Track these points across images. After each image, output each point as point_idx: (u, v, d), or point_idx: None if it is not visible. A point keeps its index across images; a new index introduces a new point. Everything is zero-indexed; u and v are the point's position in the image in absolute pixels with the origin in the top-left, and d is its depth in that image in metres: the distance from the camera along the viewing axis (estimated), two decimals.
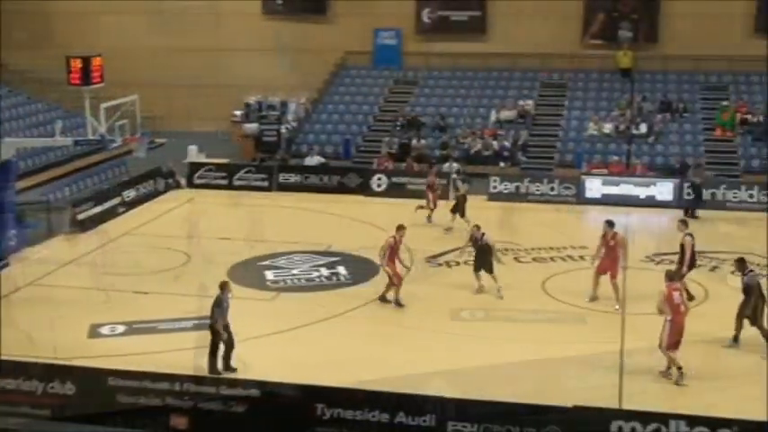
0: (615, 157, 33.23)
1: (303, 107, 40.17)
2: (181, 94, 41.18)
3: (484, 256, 21.35)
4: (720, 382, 16.92)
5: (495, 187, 31.10)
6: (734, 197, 29.46)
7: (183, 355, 17.39)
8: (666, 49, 38.95)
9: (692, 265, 21.06)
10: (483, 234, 21.45)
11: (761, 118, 35.02)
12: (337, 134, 37.67)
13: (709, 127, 35.76)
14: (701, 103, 37.18)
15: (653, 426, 13.90)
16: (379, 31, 41.12)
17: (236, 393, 15.01)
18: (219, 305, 16.87)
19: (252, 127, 37.81)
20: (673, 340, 16.60)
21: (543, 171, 33.24)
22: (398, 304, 20.58)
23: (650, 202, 29.98)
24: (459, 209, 26.94)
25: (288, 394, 14.96)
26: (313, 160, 34.23)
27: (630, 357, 17.73)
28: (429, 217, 28.11)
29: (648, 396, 16.06)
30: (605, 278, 20.88)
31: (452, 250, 24.71)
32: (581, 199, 30.40)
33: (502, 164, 34.41)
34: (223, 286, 17.19)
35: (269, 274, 22.92)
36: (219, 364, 16.84)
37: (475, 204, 30.35)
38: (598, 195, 30.44)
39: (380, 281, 22.17)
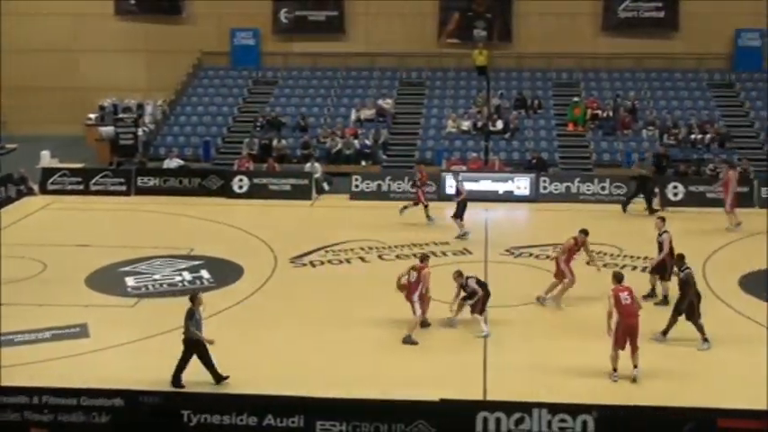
0: (474, 154, 33.90)
1: (160, 109, 39.44)
2: (32, 97, 39.82)
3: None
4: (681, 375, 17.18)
5: (357, 186, 31.26)
6: (587, 190, 30.44)
7: (42, 367, 16.82)
8: (520, 48, 40.00)
9: (671, 261, 20.88)
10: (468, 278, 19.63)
11: (610, 113, 36.30)
12: (196, 136, 37.12)
13: (561, 122, 36.87)
14: (553, 100, 38.30)
15: (517, 415, 14.22)
16: (236, 31, 40.73)
17: (98, 404, 14.62)
18: (191, 317, 16.30)
19: (107, 130, 36.89)
20: (621, 339, 16.63)
21: (404, 169, 33.59)
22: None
23: (509, 197, 30.66)
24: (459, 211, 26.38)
25: (153, 402, 14.67)
26: (172, 163, 33.62)
27: (500, 345, 18.08)
28: (428, 216, 27.97)
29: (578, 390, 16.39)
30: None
31: (316, 250, 24.71)
32: (441, 195, 30.81)
33: (363, 162, 34.62)
34: (193, 298, 16.58)
35: (129, 281, 22.40)
36: (184, 379, 16.32)
37: (337, 203, 30.61)
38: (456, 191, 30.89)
39: (245, 283, 22.03)
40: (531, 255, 24.41)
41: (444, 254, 24.55)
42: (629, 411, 14.40)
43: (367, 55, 40.41)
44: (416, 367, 17.27)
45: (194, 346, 16.28)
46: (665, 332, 18.38)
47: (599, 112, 36.59)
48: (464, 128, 36.33)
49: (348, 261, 24.14)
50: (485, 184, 30.97)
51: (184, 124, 38.14)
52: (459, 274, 19.37)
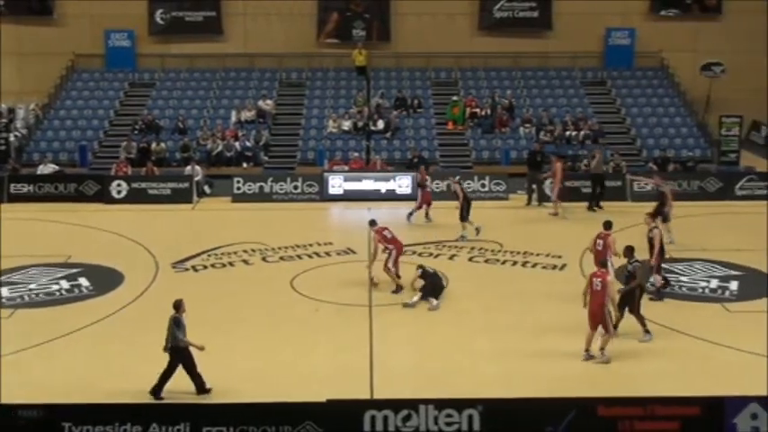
0: (355, 154, 34.01)
1: (33, 113, 38.26)
2: None
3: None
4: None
5: (239, 188, 30.98)
6: (468, 187, 30.76)
7: None
8: (399, 47, 40.32)
9: (661, 255, 21.24)
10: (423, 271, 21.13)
11: (488, 111, 36.92)
12: (72, 140, 36.15)
13: (441, 121, 37.32)
14: (433, 99, 38.73)
15: (404, 412, 14.30)
16: (110, 32, 39.84)
17: None
18: (179, 325, 15.90)
19: None
20: (589, 322, 17.42)
21: (286, 170, 33.49)
22: None
23: (391, 196, 30.87)
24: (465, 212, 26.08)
25: (31, 416, 14.21)
26: (47, 168, 32.67)
27: (386, 343, 18.19)
28: (426, 215, 27.77)
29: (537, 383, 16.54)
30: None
31: (199, 254, 24.39)
32: (324, 196, 30.86)
33: (245, 164, 34.32)
34: (178, 306, 16.20)
35: (4, 291, 21.64)
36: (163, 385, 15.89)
37: (219, 206, 30.28)
38: (341, 192, 31.02)
39: (126, 289, 21.59)
40: (414, 252, 24.61)
41: (328, 254, 24.56)
42: (513, 404, 14.65)
43: (246, 56, 40.10)
44: (303, 368, 17.22)
45: (181, 355, 15.88)
46: (614, 326, 18.38)
47: (477, 110, 37.17)
48: (345, 128, 36.41)
49: (231, 264, 23.89)
50: (367, 184, 31.13)
51: (59, 129, 37.09)
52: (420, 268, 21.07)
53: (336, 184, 31.12)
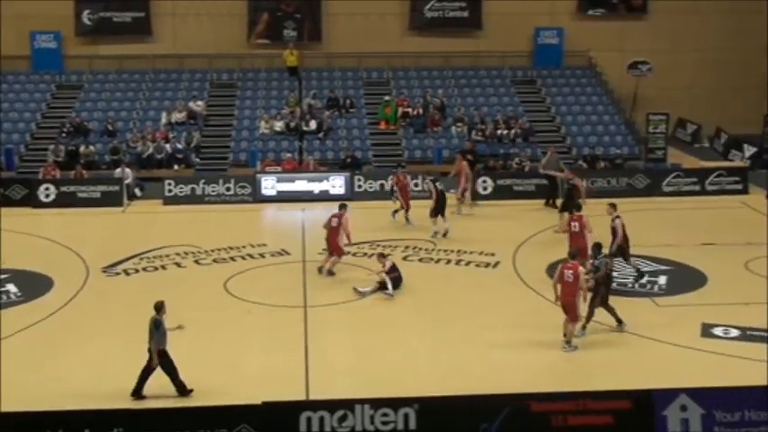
0: (288, 155, 33.88)
1: None
2: None
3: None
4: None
5: (170, 191, 30.65)
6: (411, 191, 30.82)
7: None
8: (330, 47, 40.28)
9: (626, 245, 21.62)
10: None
11: (420, 111, 37.07)
12: None
13: (373, 121, 37.37)
14: (365, 99, 38.75)
15: (340, 413, 14.31)
16: (35, 33, 39.11)
17: None
18: (158, 327, 15.86)
19: None
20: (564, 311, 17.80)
21: (218, 172, 33.23)
22: None
23: (325, 197, 30.79)
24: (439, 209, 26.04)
25: None
26: None
27: (321, 343, 18.17)
28: (407, 218, 27.41)
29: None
30: None
31: (130, 257, 24.09)
32: (257, 197, 30.70)
33: (176, 166, 33.97)
34: (159, 307, 16.13)
35: None
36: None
37: (150, 209, 29.94)
38: (274, 193, 30.89)
39: (55, 295, 21.24)
40: (348, 253, 24.59)
41: (262, 256, 24.44)
42: (449, 402, 14.74)
43: (175, 56, 39.68)
44: (237, 371, 17.12)
45: (160, 357, 15.84)
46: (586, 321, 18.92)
47: (409, 110, 37.29)
48: (277, 128, 36.26)
49: (163, 268, 23.64)
50: (300, 185, 31.04)
51: None
52: (381, 255, 21.81)
53: (269, 185, 30.98)
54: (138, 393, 15.93)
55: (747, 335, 18.87)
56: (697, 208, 29.56)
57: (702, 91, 40.23)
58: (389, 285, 21.08)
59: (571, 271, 17.83)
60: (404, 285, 21.93)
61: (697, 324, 19.29)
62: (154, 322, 16.01)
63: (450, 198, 27.47)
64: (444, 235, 25.86)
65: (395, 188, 27.98)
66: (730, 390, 15.03)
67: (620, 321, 18.98)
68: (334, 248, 22.69)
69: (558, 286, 17.93)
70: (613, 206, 22.22)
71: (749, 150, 35.93)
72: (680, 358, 17.80)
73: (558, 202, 27.93)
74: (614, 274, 19.43)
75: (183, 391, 15.97)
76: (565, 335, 18.03)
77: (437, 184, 26.54)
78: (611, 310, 18.99)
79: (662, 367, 17.34)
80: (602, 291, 18.88)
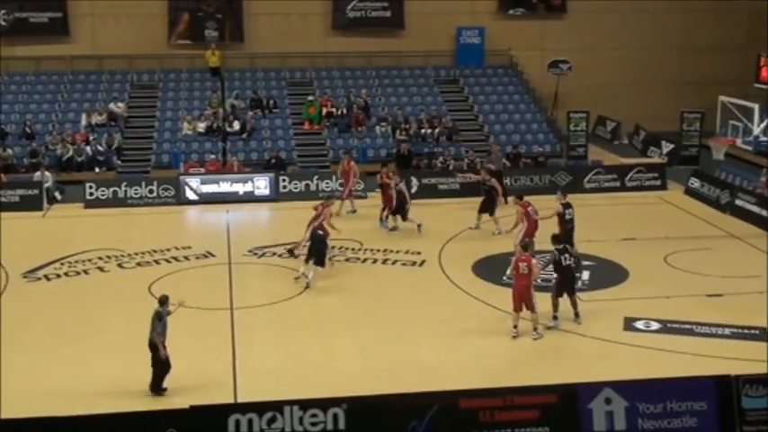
0: (211, 156, 33.55)
1: None
2: None
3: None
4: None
5: (91, 194, 30.12)
6: (326, 187, 30.81)
7: None
8: (253, 48, 40.03)
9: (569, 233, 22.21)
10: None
11: (344, 111, 37.08)
12: None
13: (297, 121, 37.26)
14: (288, 99, 38.61)
15: (269, 414, 14.26)
16: None
17: None
18: (161, 319, 16.10)
19: None
20: (515, 302, 18.48)
21: (140, 174, 32.77)
22: None
23: (250, 198, 30.61)
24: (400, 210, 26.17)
25: None
26: None
27: (249, 346, 18.05)
28: (383, 218, 27.27)
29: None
30: None
31: (51, 262, 23.64)
32: (181, 199, 30.36)
33: (97, 169, 33.42)
34: (163, 301, 16.33)
35: None
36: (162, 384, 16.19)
37: (71, 213, 29.41)
38: (198, 195, 30.56)
39: None
40: (274, 254, 24.54)
41: (187, 258, 24.19)
42: (378, 400, 14.79)
43: (95, 57, 39.02)
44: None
45: (154, 349, 16.05)
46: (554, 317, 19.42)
47: (333, 110, 37.26)
48: (200, 130, 35.91)
49: (86, 272, 23.24)
50: (224, 186, 30.75)
51: None
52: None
53: (193, 187, 30.66)
54: (158, 389, 16.16)
55: (668, 327, 19.30)
56: (617, 204, 30.12)
57: (621, 89, 41.00)
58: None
59: (525, 263, 18.42)
60: (331, 285, 21.94)
61: (619, 318, 19.67)
62: (156, 314, 16.25)
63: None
64: (419, 227, 26.42)
65: (380, 186, 28.24)
66: (653, 382, 15.37)
67: (576, 315, 19.52)
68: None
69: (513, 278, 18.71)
70: (563, 194, 23.17)
71: (667, 147, 36.71)
72: (604, 352, 18.13)
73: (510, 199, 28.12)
74: (570, 263, 19.89)
75: (157, 388, 16.13)
76: (516, 326, 18.64)
77: (405, 187, 27.07)
78: (573, 303, 19.51)
79: (586, 361, 17.65)
80: (559, 279, 19.43)
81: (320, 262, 21.83)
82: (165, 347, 16.17)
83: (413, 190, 30.62)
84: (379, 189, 27.88)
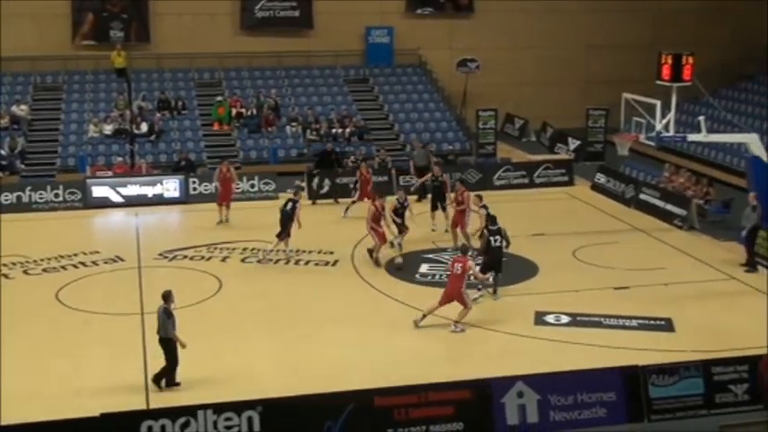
0: (119, 158, 33.00)
1: None
2: None
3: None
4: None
5: None
6: (237, 188, 30.59)
7: None
8: (160, 48, 39.49)
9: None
10: None
11: (254, 111, 36.85)
12: None
13: (207, 122, 36.89)
14: (197, 100, 38.20)
15: (182, 419, 14.11)
16: None
17: None
18: (171, 316, 16.32)
19: None
20: (443, 299, 19.00)
21: (45, 178, 32.03)
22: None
23: (159, 200, 30.21)
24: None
25: None
26: None
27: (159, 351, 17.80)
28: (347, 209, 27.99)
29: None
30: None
31: None
32: (88, 203, 29.78)
33: (0, 174, 32.58)
34: (167, 296, 16.56)
35: None
36: (163, 381, 16.48)
37: None
38: (106, 198, 30.03)
39: None
40: (185, 257, 24.26)
41: (95, 263, 23.76)
42: (292, 401, 14.75)
43: None
44: (74, 383, 16.61)
45: (169, 346, 16.31)
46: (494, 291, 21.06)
47: (243, 110, 37.00)
48: (107, 132, 35.28)
49: None
50: (133, 189, 30.26)
51: None
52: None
53: (100, 190, 30.12)
54: (172, 382, 16.46)
55: (577, 320, 19.67)
56: (526, 200, 30.58)
57: (528, 87, 41.63)
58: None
59: (460, 264, 18.88)
60: (244, 287, 21.81)
61: (530, 312, 19.98)
62: (164, 311, 16.38)
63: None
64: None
65: (358, 181, 28.40)
66: (563, 374, 15.69)
67: (495, 291, 21.04)
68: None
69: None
70: (479, 197, 23.52)
71: (573, 143, 37.43)
72: (515, 346, 18.39)
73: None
74: (500, 245, 20.96)
75: (171, 382, 16.43)
76: (425, 316, 19.16)
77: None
78: (496, 280, 21.07)
79: (499, 356, 17.88)
80: (486, 260, 20.75)
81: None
82: (164, 343, 16.45)
83: (324, 190, 30.65)
84: (357, 185, 28.34)
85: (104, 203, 29.85)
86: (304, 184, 30.52)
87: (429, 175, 28.08)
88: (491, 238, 20.81)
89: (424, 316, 19.08)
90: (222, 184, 27.79)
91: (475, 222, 23.57)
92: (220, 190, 27.75)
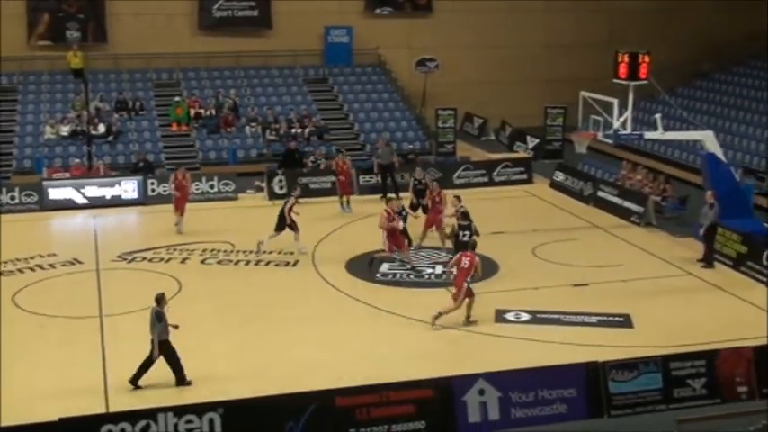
0: (76, 160, 32.65)
1: None
2: None
3: None
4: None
5: None
6: (196, 189, 30.37)
7: None
8: (117, 48, 39.13)
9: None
10: None
11: (213, 111, 36.65)
12: None
13: (165, 123, 36.63)
14: (155, 101, 37.91)
15: (142, 423, 14.01)
16: None
17: None
18: (161, 319, 16.31)
19: None
20: (462, 295, 19.04)
21: (1, 180, 31.62)
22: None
23: (117, 202, 29.96)
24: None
25: None
26: None
27: (119, 354, 17.66)
28: (346, 203, 28.80)
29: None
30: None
31: None
32: (45, 205, 29.45)
33: None
34: (160, 299, 16.58)
35: None
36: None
37: None
38: (63, 200, 29.72)
39: None
40: (144, 259, 24.08)
41: (53, 266, 23.50)
42: (254, 403, 14.70)
43: None
44: (32, 388, 16.41)
45: (163, 347, 16.33)
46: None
47: (202, 111, 36.79)
48: (64, 133, 34.89)
49: None
50: (91, 191, 29.98)
51: None
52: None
53: (58, 192, 29.80)
54: (135, 382, 16.35)
55: (537, 317, 19.81)
56: (486, 198, 30.67)
57: (487, 86, 41.77)
58: None
59: (468, 259, 19.04)
60: (204, 288, 21.69)
61: (491, 310, 20.06)
62: (156, 314, 16.39)
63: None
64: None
65: (336, 174, 29.09)
66: (524, 371, 15.76)
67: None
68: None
69: (454, 270, 19.35)
70: (458, 198, 23.45)
71: (532, 142, 37.66)
72: (476, 344, 18.47)
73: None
74: (467, 240, 20.98)
75: (182, 381, 16.44)
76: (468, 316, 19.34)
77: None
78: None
79: (460, 354, 17.96)
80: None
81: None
82: (161, 346, 16.41)
83: (283, 190, 30.55)
84: (334, 178, 29.00)
85: (62, 205, 29.53)
86: (264, 185, 30.48)
87: (412, 179, 27.94)
88: (460, 233, 21.43)
89: (439, 315, 19.15)
90: (179, 190, 27.31)
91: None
92: (177, 196, 27.15)
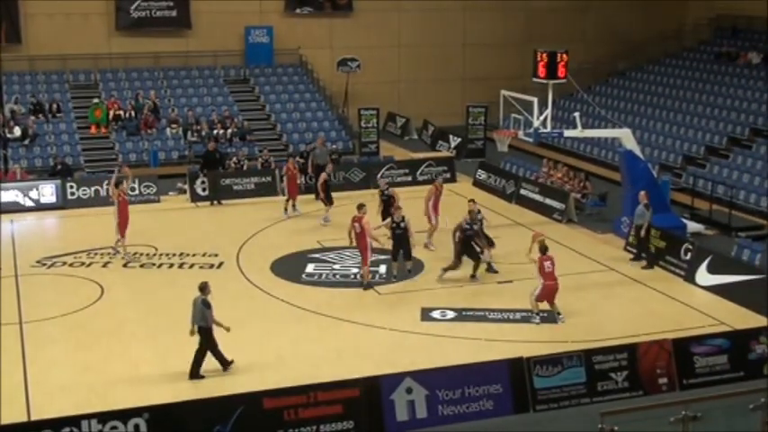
0: None
1: None
2: None
3: None
4: None
5: None
6: (105, 191, 29.84)
7: None
8: (31, 50, 38.30)
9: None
10: None
11: (132, 113, 36.13)
12: None
13: (83, 125, 36.00)
14: (72, 103, 37.22)
15: (66, 430, 13.78)
16: None
17: None
18: (209, 307, 16.74)
19: None
20: (542, 297, 19.47)
21: None
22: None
23: (36, 206, 29.35)
24: None
25: None
26: None
27: (42, 361, 17.31)
28: (286, 209, 28.26)
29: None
30: None
31: None
32: None
33: None
34: (203, 287, 16.92)
35: None
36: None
37: None
38: None
39: None
40: (64, 263, 23.64)
41: None
42: (180, 407, 14.57)
43: None
44: None
45: (207, 335, 16.74)
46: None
47: (121, 112, 36.23)
48: None
49: None
50: (7, 195, 29.29)
51: None
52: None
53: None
54: (196, 374, 16.73)
55: (463, 315, 19.99)
56: (410, 197, 30.70)
57: (409, 85, 42.03)
58: None
59: (549, 262, 19.61)
60: (127, 292, 21.39)
61: (416, 309, 20.18)
62: (203, 302, 16.78)
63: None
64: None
65: (284, 176, 28.89)
66: (450, 369, 15.89)
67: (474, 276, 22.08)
68: None
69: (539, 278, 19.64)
70: (473, 201, 23.86)
71: (454, 141, 37.96)
72: (403, 343, 18.55)
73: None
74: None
75: (225, 364, 17.02)
76: (536, 312, 19.72)
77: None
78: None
79: (387, 353, 17.99)
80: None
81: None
82: (204, 333, 16.89)
83: (206, 192, 30.28)
84: (285, 179, 28.88)
85: None
86: (186, 186, 30.18)
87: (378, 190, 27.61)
88: (394, 225, 22.36)
89: (558, 313, 19.71)
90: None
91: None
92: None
